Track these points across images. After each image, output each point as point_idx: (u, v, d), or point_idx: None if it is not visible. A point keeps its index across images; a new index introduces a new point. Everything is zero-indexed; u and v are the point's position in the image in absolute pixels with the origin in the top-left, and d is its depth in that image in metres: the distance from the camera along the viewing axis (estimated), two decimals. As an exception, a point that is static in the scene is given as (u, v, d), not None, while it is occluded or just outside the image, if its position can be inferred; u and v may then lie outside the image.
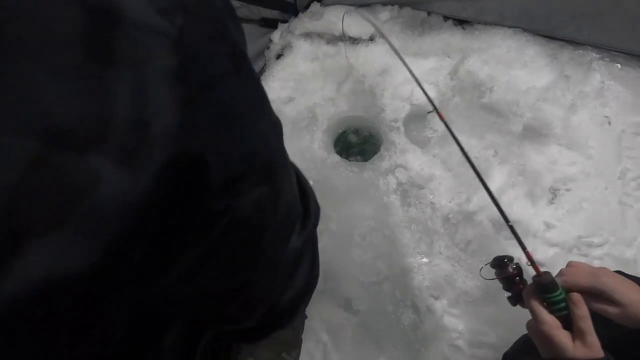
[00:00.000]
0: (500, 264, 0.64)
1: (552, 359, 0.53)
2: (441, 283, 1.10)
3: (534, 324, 0.57)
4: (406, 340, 1.08)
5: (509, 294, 0.64)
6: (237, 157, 0.25)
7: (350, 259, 1.17)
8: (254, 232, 0.29)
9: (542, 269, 1.04)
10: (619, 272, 0.85)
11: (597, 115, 1.27)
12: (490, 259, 1.15)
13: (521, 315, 1.02)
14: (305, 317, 0.98)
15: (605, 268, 0.60)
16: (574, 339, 0.53)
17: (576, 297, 0.55)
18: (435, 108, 0.77)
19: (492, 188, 1.19)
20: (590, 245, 1.07)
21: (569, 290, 0.57)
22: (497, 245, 1.11)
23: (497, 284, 1.09)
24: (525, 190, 1.18)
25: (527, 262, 0.61)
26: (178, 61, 0.20)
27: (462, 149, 0.66)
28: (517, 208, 1.15)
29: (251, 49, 1.50)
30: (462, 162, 1.26)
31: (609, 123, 1.26)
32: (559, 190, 1.17)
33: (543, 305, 0.56)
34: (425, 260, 1.14)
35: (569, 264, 0.61)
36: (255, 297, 0.36)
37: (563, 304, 0.55)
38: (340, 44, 1.51)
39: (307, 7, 1.54)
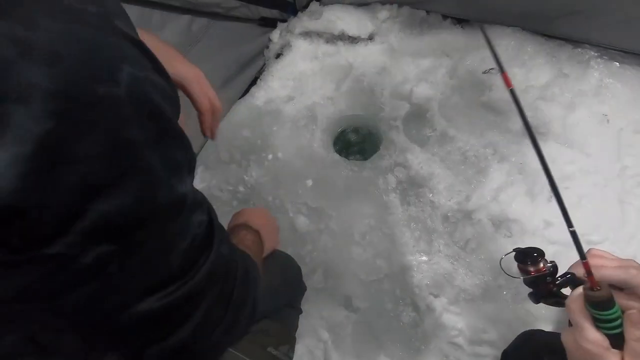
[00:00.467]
0: (531, 259, 0.54)
1: None
2: (441, 281, 1.10)
3: (578, 339, 0.48)
4: (406, 338, 1.08)
5: (530, 290, 0.55)
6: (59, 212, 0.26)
7: (350, 258, 1.17)
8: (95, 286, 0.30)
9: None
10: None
11: (596, 113, 1.27)
12: (490, 257, 1.16)
13: (521, 313, 1.03)
14: (300, 312, 0.98)
15: (632, 260, 0.53)
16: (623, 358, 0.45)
17: (636, 316, 0.47)
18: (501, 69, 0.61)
19: (492, 186, 1.20)
20: (589, 242, 1.08)
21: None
22: (496, 243, 1.12)
23: (498, 284, 1.10)
24: (524, 188, 1.18)
25: (584, 274, 0.51)
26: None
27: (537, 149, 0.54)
28: (516, 206, 1.15)
29: (250, 49, 1.51)
30: (461, 161, 1.27)
31: (608, 121, 1.26)
32: (558, 187, 1.17)
33: (590, 319, 0.48)
34: (424, 258, 1.15)
35: (591, 253, 0.52)
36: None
37: (617, 322, 0.47)
38: (340, 43, 1.51)
39: (306, 6, 1.54)
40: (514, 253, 0.55)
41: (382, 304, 1.12)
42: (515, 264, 0.55)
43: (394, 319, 1.10)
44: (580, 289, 0.49)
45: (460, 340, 1.03)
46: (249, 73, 1.53)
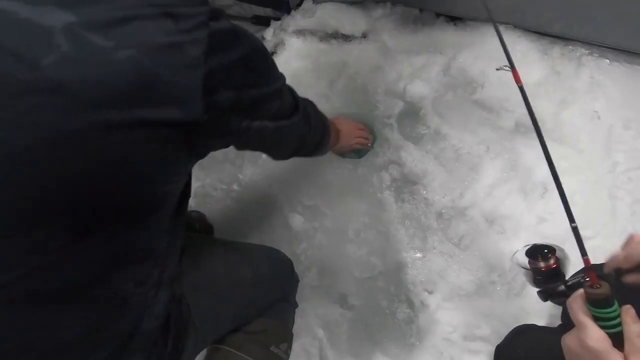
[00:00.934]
0: (542, 254, 0.55)
1: None
2: (435, 278, 1.11)
3: (583, 338, 0.48)
4: (401, 335, 1.09)
5: (539, 288, 0.56)
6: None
7: (344, 255, 1.18)
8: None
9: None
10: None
11: (587, 110, 1.28)
12: (483, 253, 1.17)
13: (513, 308, 1.04)
14: (296, 305, 0.99)
15: (637, 234, 0.53)
16: (625, 357, 0.45)
17: (633, 312, 0.47)
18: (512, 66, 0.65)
19: (485, 183, 1.21)
20: (582, 237, 1.09)
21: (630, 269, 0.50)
22: (490, 239, 1.13)
23: (492, 280, 1.11)
24: (517, 185, 1.19)
25: (584, 269, 0.54)
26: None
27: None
28: (509, 203, 1.16)
29: (244, 47, 1.50)
30: (454, 158, 1.27)
31: (599, 117, 1.27)
32: (550, 184, 1.18)
33: (592, 318, 0.48)
34: (419, 255, 1.15)
35: (631, 239, 0.53)
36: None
37: (616, 321, 0.47)
38: (333, 41, 1.51)
39: (299, 4, 1.54)
40: (526, 248, 0.56)
41: (376, 301, 1.12)
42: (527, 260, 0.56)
43: (389, 316, 1.11)
44: (581, 289, 0.49)
45: (454, 336, 1.04)
46: (243, 71, 1.52)
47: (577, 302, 0.49)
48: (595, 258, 1.13)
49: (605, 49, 1.35)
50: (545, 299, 0.56)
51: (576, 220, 1.19)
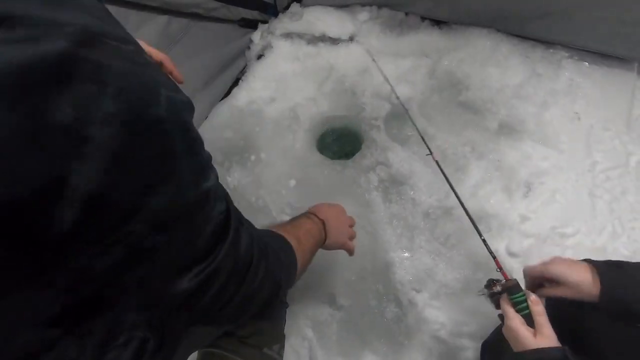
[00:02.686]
0: (490, 284, 0.74)
1: (520, 351, 0.62)
2: (422, 276, 1.13)
3: (505, 322, 0.66)
4: (390, 334, 1.10)
5: (499, 311, 0.72)
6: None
7: (333, 256, 1.18)
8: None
9: (518, 260, 1.10)
10: (587, 260, 0.89)
11: (568, 112, 1.32)
12: (469, 252, 1.19)
13: (499, 305, 1.06)
14: (287, 305, 0.99)
15: (557, 257, 0.73)
16: (535, 333, 0.62)
17: (534, 296, 0.66)
18: (430, 152, 1.06)
19: (470, 183, 1.24)
20: (563, 235, 1.12)
21: (531, 282, 0.73)
22: (475, 238, 1.14)
23: (477, 278, 1.13)
24: (501, 185, 1.22)
25: (496, 269, 0.74)
26: None
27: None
28: (494, 202, 1.19)
29: (231, 50, 1.51)
30: (440, 159, 1.29)
31: (579, 119, 1.31)
32: (533, 183, 1.21)
33: (512, 306, 0.67)
34: (406, 254, 1.17)
35: (554, 259, 0.73)
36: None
37: (526, 304, 0.66)
38: (321, 44, 1.53)
39: (287, 7, 1.55)
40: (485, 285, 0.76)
41: (365, 301, 1.13)
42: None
43: (378, 315, 1.12)
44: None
45: (442, 333, 1.06)
46: (230, 74, 1.52)
47: (502, 298, 0.69)
48: (576, 254, 1.16)
49: (585, 52, 1.39)
50: (502, 318, 0.71)
51: (557, 218, 1.23)
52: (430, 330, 1.07)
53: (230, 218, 0.45)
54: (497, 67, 1.38)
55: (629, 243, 1.10)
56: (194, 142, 0.38)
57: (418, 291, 1.11)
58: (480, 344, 0.94)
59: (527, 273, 0.75)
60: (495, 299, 0.72)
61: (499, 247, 1.13)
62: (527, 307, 0.65)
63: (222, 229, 0.44)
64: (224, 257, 0.43)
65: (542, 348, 0.60)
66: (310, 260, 0.78)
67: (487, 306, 0.75)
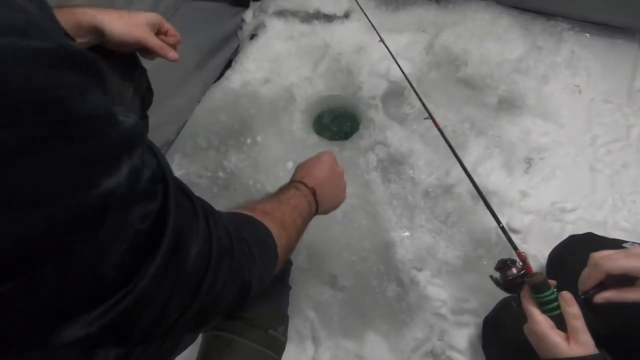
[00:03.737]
0: (503, 266, 0.62)
1: (549, 359, 0.52)
2: (423, 255, 1.13)
3: (529, 324, 0.55)
4: (391, 313, 1.11)
5: (514, 295, 0.62)
6: None
7: (334, 237, 1.18)
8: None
9: (519, 236, 1.07)
10: (589, 233, 0.89)
11: (568, 85, 1.30)
12: (470, 229, 1.18)
13: (500, 281, 1.06)
14: (290, 287, 1.00)
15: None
16: (568, 338, 0.52)
17: (567, 295, 0.53)
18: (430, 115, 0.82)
19: (470, 160, 1.22)
20: (563, 210, 1.12)
21: (594, 280, 0.55)
22: (476, 216, 1.15)
23: (478, 255, 1.13)
24: (501, 161, 1.20)
25: (518, 262, 0.60)
26: None
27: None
28: (494, 179, 1.18)
29: (223, 30, 1.46)
30: (439, 136, 1.28)
31: (580, 92, 1.29)
32: (533, 159, 1.20)
33: (537, 306, 0.55)
34: (407, 234, 1.17)
35: (591, 257, 0.58)
36: None
37: (555, 304, 0.54)
38: (315, 21, 1.48)
39: (278, -16, 1.50)
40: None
41: (367, 281, 1.14)
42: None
43: (379, 295, 1.12)
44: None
45: (443, 310, 1.07)
46: (223, 55, 1.48)
47: (524, 294, 0.57)
48: (577, 229, 1.16)
49: (586, 23, 1.36)
50: (519, 304, 0.62)
51: (557, 193, 1.22)
52: (432, 307, 1.07)
53: (167, 219, 0.32)
54: (496, 41, 1.35)
55: (629, 216, 1.10)
56: (72, 123, 0.23)
57: (419, 270, 1.12)
58: (482, 320, 0.95)
59: (600, 268, 0.54)
60: (509, 284, 0.60)
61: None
62: (557, 308, 0.53)
63: (151, 238, 0.31)
64: (154, 278, 0.31)
65: (583, 356, 0.49)
66: (298, 239, 0.65)
67: (489, 282, 0.70)
